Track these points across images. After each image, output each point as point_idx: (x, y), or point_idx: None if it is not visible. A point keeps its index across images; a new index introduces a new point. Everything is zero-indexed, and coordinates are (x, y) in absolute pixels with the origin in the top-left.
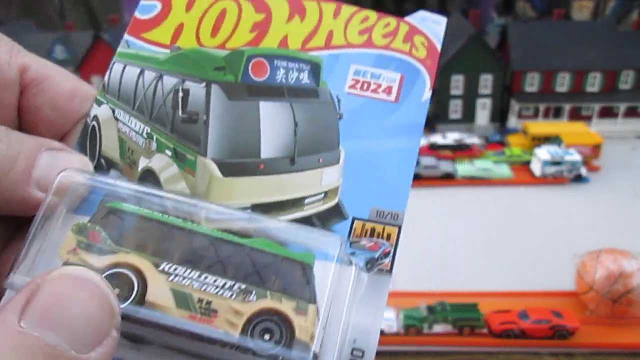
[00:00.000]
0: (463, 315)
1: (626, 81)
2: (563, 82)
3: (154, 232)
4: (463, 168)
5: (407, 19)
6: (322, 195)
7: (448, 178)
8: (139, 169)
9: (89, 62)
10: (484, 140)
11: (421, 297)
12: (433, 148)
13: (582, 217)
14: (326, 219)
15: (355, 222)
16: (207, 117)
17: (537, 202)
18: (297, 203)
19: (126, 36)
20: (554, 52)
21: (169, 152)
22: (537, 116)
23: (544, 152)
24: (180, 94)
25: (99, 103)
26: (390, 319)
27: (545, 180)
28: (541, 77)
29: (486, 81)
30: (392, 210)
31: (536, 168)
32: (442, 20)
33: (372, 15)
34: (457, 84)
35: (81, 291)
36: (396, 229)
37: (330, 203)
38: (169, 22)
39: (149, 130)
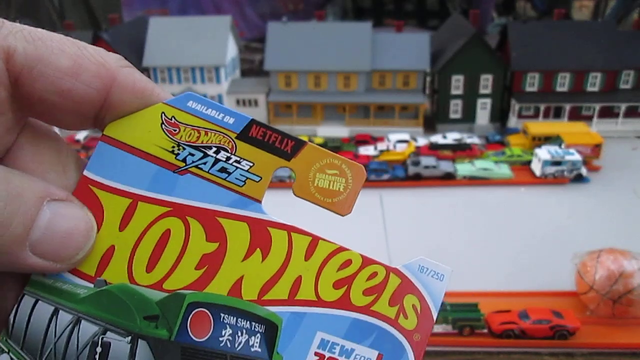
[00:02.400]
0: (463, 315)
1: (627, 81)
2: (563, 82)
3: None
4: (463, 168)
5: (402, 268)
6: None
7: (448, 178)
8: None
9: None
10: (484, 140)
11: None
12: (433, 148)
13: (582, 217)
14: None
15: None
16: None
17: (537, 202)
18: None
19: None
20: (554, 52)
21: None
22: (538, 116)
23: (544, 152)
24: (99, 350)
25: None
26: None
27: (545, 180)
28: (541, 77)
29: (486, 81)
30: None
31: (536, 168)
32: (445, 273)
33: (357, 259)
34: (457, 84)
35: None
36: None
37: None
38: (97, 244)
39: None
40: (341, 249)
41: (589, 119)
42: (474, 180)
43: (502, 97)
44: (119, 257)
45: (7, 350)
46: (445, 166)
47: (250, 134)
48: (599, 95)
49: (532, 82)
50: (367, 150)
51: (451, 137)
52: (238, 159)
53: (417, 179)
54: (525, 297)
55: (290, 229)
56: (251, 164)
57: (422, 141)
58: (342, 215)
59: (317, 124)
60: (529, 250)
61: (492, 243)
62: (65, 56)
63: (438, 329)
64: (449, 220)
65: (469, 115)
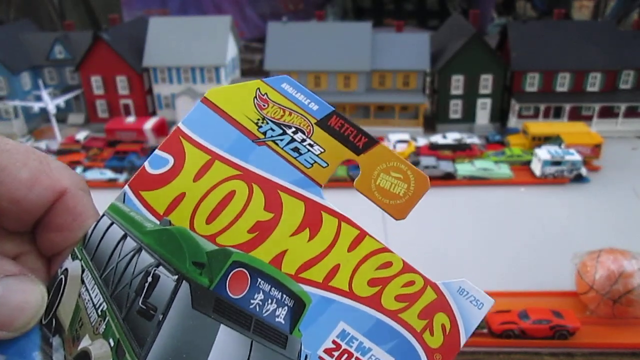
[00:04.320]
0: None
1: (627, 81)
2: (563, 82)
3: None
4: (463, 168)
5: (441, 285)
6: None
7: (448, 178)
8: (79, 347)
9: (89, 61)
10: (484, 140)
11: None
12: (433, 148)
13: (582, 217)
14: None
15: None
16: (163, 317)
17: (537, 202)
18: None
19: (126, 187)
20: (554, 52)
21: (112, 342)
22: (537, 116)
23: (544, 152)
24: (149, 279)
25: (74, 257)
26: None
27: (545, 180)
28: (541, 77)
29: (486, 81)
30: None
31: (536, 168)
32: (485, 302)
33: (398, 263)
34: (457, 84)
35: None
36: None
37: None
38: (172, 188)
39: (104, 308)
40: (385, 250)
41: (589, 119)
42: (474, 180)
43: (502, 97)
44: (187, 204)
45: (80, 258)
46: (445, 166)
47: (329, 123)
48: (599, 95)
49: (532, 82)
50: None
51: (451, 137)
52: (312, 142)
53: None
54: (525, 297)
55: (342, 218)
56: (322, 150)
57: (422, 141)
58: (396, 219)
59: None
60: (529, 250)
61: (492, 243)
62: (26, 169)
63: None
64: (449, 220)
65: (469, 115)
